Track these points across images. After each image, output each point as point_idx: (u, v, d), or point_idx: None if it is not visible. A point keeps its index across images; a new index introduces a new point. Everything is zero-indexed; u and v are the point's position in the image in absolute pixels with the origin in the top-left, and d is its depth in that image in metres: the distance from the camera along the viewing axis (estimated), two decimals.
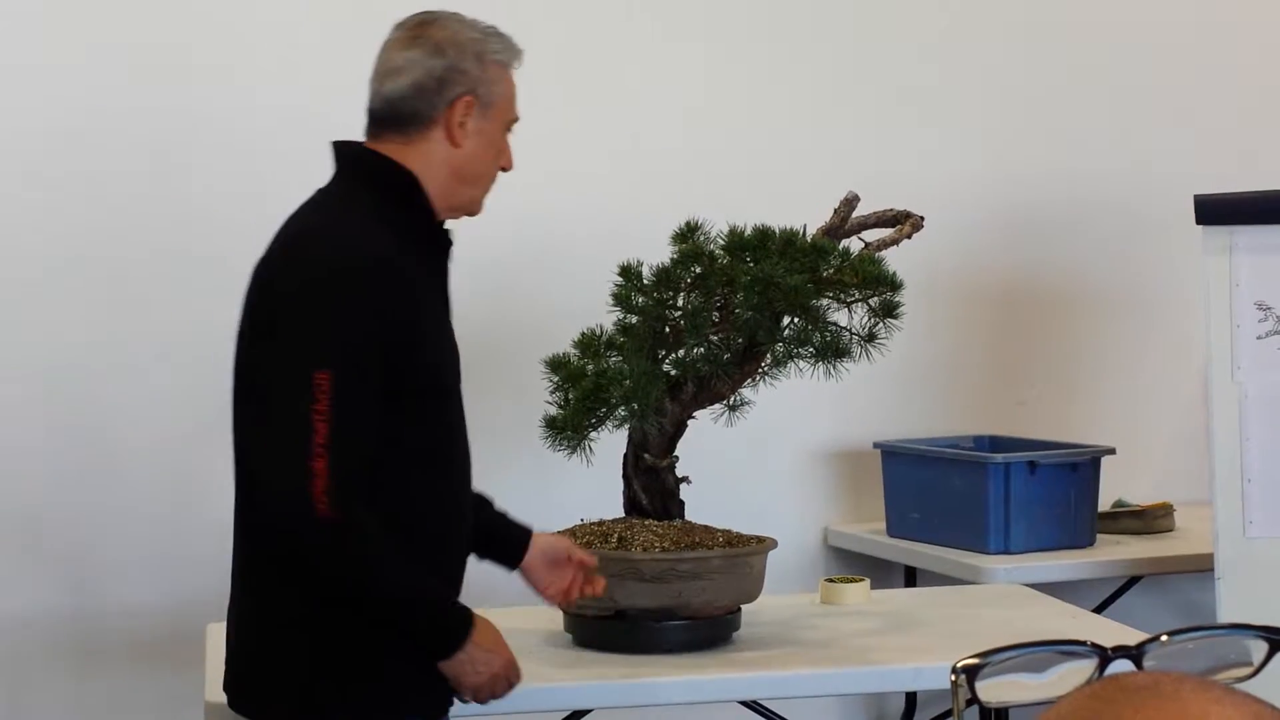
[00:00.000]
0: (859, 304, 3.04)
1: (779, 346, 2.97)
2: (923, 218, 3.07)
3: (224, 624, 2.75)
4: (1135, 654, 1.28)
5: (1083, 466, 4.21)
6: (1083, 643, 1.28)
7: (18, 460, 3.93)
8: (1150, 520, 4.38)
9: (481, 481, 2.71)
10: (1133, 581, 4.37)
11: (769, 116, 4.46)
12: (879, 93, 4.58)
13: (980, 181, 4.64)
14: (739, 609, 3.18)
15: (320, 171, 2.65)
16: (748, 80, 4.46)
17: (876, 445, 4.40)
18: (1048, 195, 4.70)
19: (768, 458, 4.31)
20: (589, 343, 3.07)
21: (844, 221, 3.03)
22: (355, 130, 2.65)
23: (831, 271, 3.00)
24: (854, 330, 3.07)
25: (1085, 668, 1.27)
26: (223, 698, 2.78)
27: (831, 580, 3.66)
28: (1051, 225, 4.71)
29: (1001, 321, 4.72)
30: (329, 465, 2.38)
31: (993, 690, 1.27)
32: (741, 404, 3.14)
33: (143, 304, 4.03)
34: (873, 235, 3.19)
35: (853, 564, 4.41)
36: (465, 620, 2.54)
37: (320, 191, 2.63)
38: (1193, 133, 4.78)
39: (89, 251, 3.98)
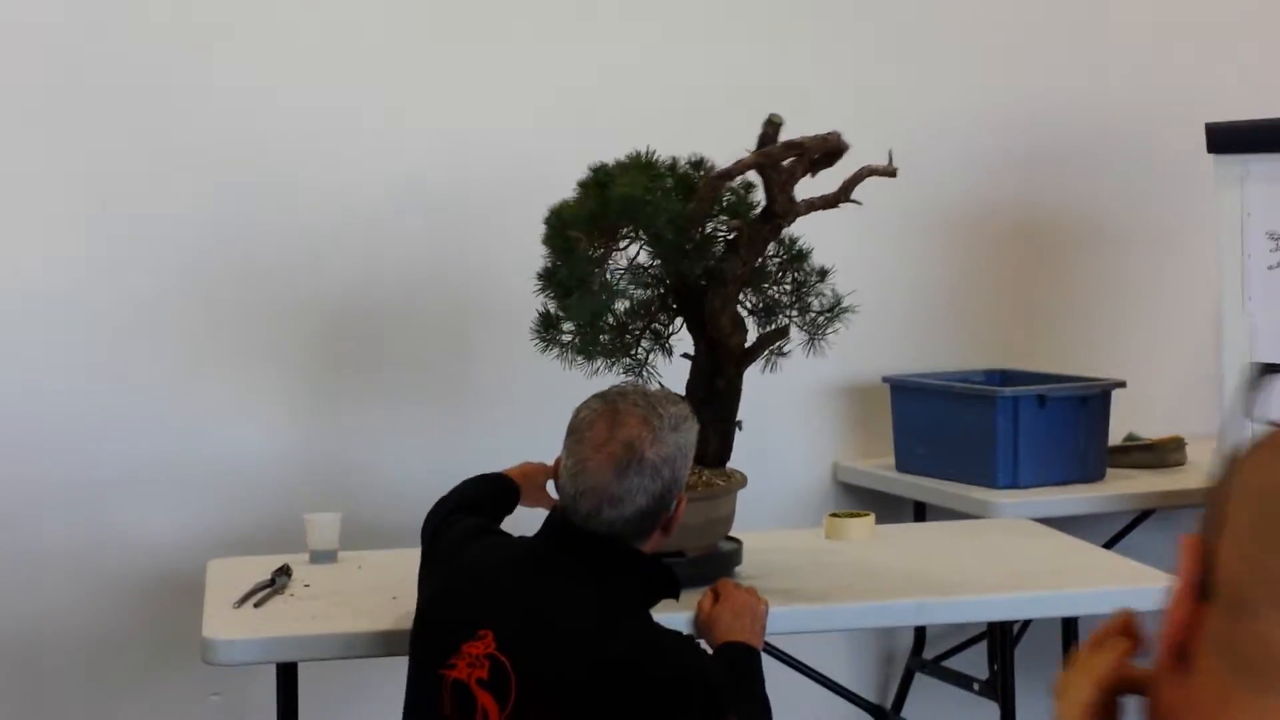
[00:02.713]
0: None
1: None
2: (846, 144, 2.98)
3: (223, 560, 2.72)
4: None
5: (1092, 400, 4.17)
6: None
7: (32, 392, 3.91)
8: (1161, 454, 4.34)
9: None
10: (1144, 516, 4.33)
11: (764, 48, 4.41)
12: (886, 22, 4.52)
13: (990, 112, 4.58)
14: (738, 545, 3.15)
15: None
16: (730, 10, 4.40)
17: (885, 379, 4.36)
18: (1060, 126, 4.64)
19: (776, 393, 4.27)
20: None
21: (769, 145, 2.95)
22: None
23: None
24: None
25: None
26: (217, 634, 2.78)
27: (836, 515, 3.63)
28: (1065, 156, 4.65)
29: (1013, 254, 4.66)
30: None
31: None
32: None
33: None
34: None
35: (862, 500, 4.38)
36: None
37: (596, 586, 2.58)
38: (1209, 61, 4.71)
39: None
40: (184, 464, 3.99)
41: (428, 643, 2.58)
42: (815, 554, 3.39)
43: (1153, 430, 4.46)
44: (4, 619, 3.93)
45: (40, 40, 3.90)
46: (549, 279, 3.02)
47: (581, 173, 3.09)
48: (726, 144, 3.02)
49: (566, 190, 3.08)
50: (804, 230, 3.15)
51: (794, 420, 4.46)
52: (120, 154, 3.94)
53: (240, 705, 3.95)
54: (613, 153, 3.09)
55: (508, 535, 2.79)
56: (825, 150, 3.00)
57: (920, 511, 4.31)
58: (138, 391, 3.98)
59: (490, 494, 3.01)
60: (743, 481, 3.14)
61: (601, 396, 2.64)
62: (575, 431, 2.61)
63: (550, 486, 2.95)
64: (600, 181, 3.02)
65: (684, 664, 2.48)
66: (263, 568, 3.22)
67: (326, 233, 4.08)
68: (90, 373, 3.95)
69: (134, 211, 3.96)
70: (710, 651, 2.76)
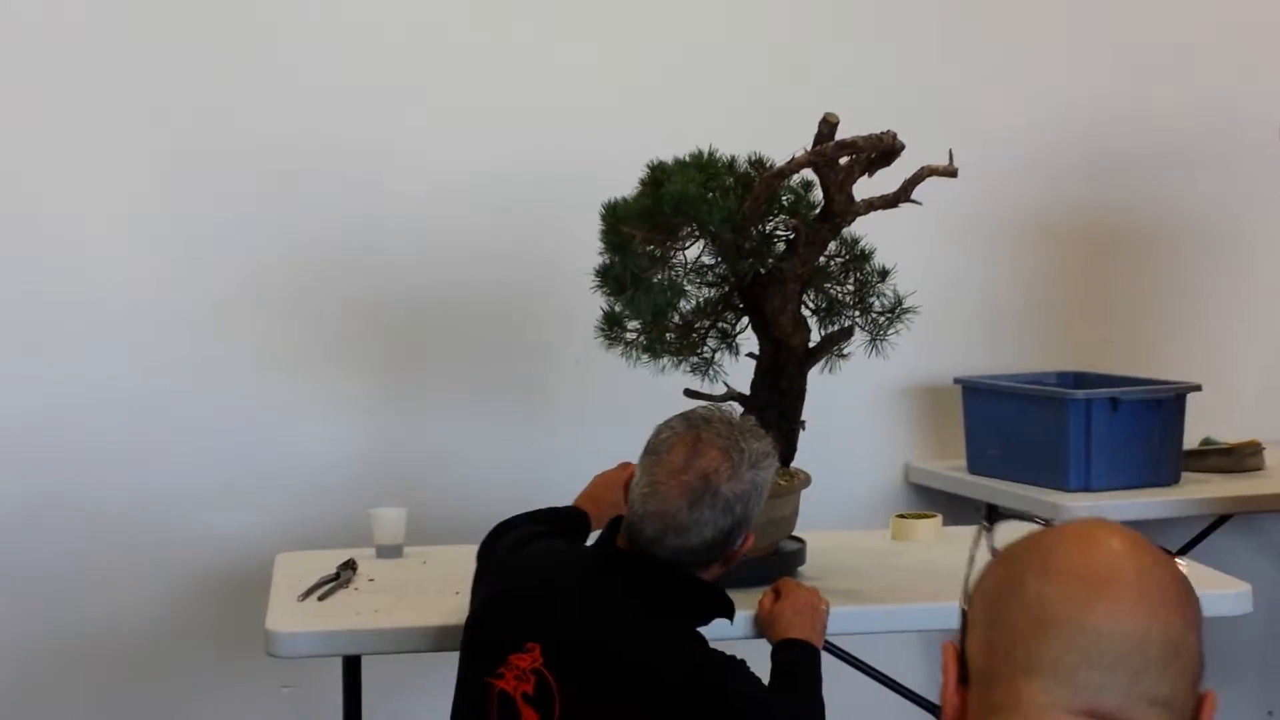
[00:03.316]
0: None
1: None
2: (901, 143, 2.95)
3: (290, 554, 2.73)
4: None
5: (1167, 403, 4.13)
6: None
7: (106, 393, 3.97)
8: (1239, 458, 4.29)
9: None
10: (1220, 521, 4.28)
11: (829, 48, 4.40)
12: (955, 20, 4.49)
13: (1065, 113, 4.54)
14: (802, 545, 3.15)
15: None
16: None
17: (957, 380, 4.34)
18: (1134, 126, 4.60)
19: (848, 394, 4.25)
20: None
21: (823, 144, 2.93)
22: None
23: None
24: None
25: None
26: (280, 626, 2.81)
27: (903, 516, 3.61)
28: (1139, 157, 4.61)
29: (1088, 255, 4.63)
30: None
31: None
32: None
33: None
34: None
35: (933, 501, 4.36)
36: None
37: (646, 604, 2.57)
38: None
39: None
40: (256, 461, 4.04)
41: (476, 650, 2.58)
42: (880, 555, 3.38)
43: (1230, 434, 4.41)
44: (82, 614, 3.99)
45: (106, 41, 3.94)
46: (604, 275, 3.03)
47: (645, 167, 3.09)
48: (792, 144, 3.01)
49: (634, 188, 3.09)
50: (880, 231, 3.14)
51: (866, 421, 4.45)
52: (190, 154, 3.99)
53: (310, 697, 3.99)
54: (680, 152, 3.09)
55: (561, 542, 2.77)
56: (880, 149, 2.98)
57: (992, 514, 4.28)
58: (209, 391, 4.03)
59: (558, 521, 2.95)
60: (806, 481, 3.13)
61: (685, 419, 2.62)
62: (653, 452, 2.59)
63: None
64: (657, 179, 3.03)
65: (732, 690, 2.47)
66: (329, 562, 3.25)
67: (394, 232, 4.11)
68: (161, 373, 4.00)
69: (202, 212, 4.01)
70: (770, 645, 2.77)
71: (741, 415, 2.80)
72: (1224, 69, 4.65)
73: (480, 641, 2.59)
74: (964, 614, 1.38)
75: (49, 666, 3.98)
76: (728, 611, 2.64)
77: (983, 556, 1.43)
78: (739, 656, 2.54)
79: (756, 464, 2.59)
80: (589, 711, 2.45)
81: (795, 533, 3.17)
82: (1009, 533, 1.48)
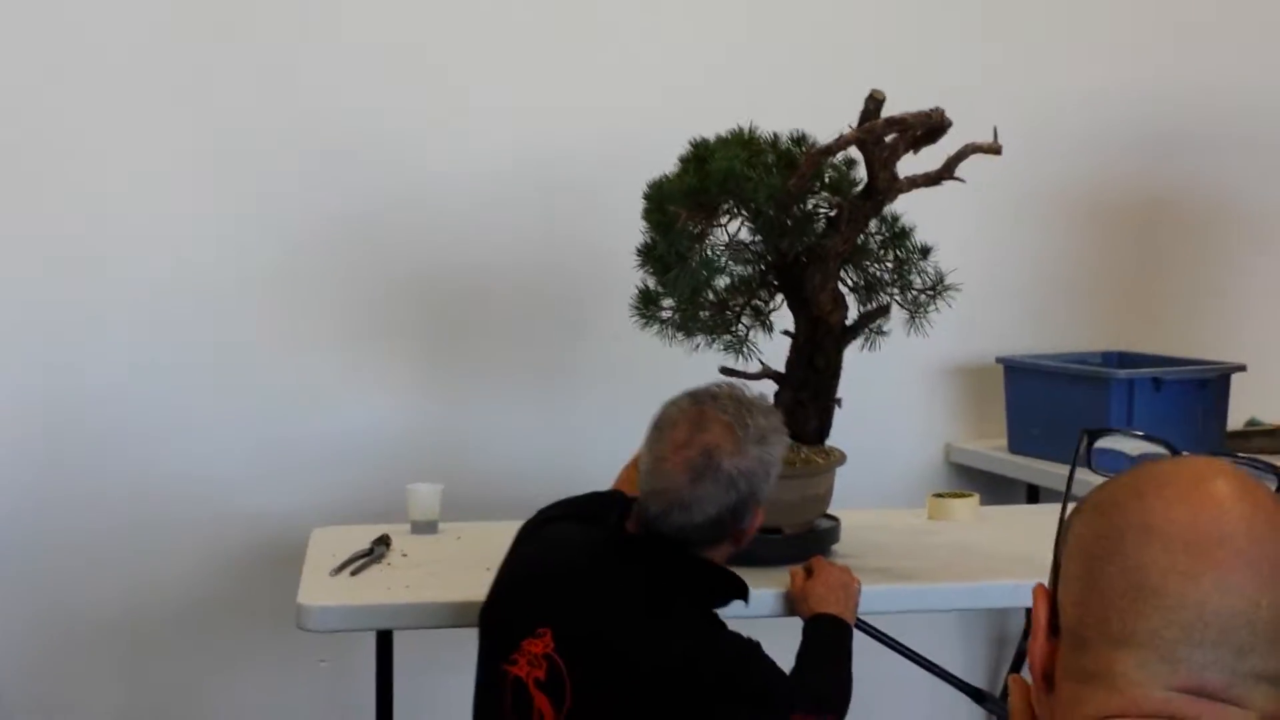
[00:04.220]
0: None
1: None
2: (949, 120, 2.90)
3: (326, 529, 2.72)
4: None
5: (1211, 383, 4.09)
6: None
7: (144, 369, 3.98)
8: None
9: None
10: None
11: (872, 25, 4.36)
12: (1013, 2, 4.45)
13: (1110, 91, 4.50)
14: (836, 523, 3.13)
15: None
16: None
17: (999, 360, 4.30)
18: (1182, 104, 4.55)
19: (890, 372, 4.23)
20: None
21: (871, 120, 2.90)
22: None
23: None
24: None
25: None
26: (312, 600, 2.81)
27: (940, 495, 3.59)
28: (1186, 135, 4.56)
29: (1132, 234, 4.58)
30: None
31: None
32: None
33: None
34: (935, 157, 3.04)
35: (974, 481, 4.33)
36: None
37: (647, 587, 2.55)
38: None
39: None
40: (294, 437, 4.05)
41: (492, 636, 2.57)
42: (916, 534, 3.36)
43: (1275, 415, 4.37)
44: (119, 588, 4.01)
45: (153, 18, 3.95)
46: (648, 254, 3.01)
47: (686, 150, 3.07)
48: (833, 123, 2.99)
49: (673, 168, 3.06)
50: (927, 209, 3.11)
51: (907, 400, 4.43)
52: (235, 131, 3.99)
53: (347, 671, 4.01)
54: (719, 131, 3.07)
55: (574, 525, 2.73)
56: (928, 126, 2.95)
57: (1033, 494, 4.26)
58: (249, 366, 4.04)
59: (596, 505, 2.89)
60: (841, 458, 3.11)
61: (692, 395, 2.59)
62: (658, 428, 2.57)
63: None
64: (700, 156, 3.00)
65: (741, 670, 2.44)
66: (364, 537, 3.25)
67: (435, 210, 4.11)
68: (202, 348, 4.01)
69: (245, 189, 4.01)
70: (801, 621, 2.75)
71: (765, 396, 2.75)
72: (1272, 50, 4.59)
73: (493, 624, 2.58)
74: (1057, 561, 1.26)
75: (85, 639, 4.00)
76: (740, 592, 2.61)
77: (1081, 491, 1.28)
78: (754, 640, 2.51)
79: (763, 440, 2.55)
80: (597, 698, 2.43)
81: (830, 511, 3.15)
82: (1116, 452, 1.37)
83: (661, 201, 2.96)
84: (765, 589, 2.85)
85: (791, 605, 2.83)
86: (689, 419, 2.54)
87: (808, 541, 3.05)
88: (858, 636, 2.81)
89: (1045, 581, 1.28)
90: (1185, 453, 1.34)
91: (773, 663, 2.51)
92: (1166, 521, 1.19)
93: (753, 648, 2.49)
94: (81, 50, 3.91)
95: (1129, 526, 1.21)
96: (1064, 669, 1.22)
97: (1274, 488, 1.30)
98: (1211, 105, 4.56)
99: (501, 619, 2.57)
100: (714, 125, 3.07)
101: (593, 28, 4.19)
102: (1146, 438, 1.47)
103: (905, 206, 3.09)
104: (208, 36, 3.96)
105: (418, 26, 4.08)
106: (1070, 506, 1.29)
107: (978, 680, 4.35)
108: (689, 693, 2.40)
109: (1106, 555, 1.21)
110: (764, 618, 2.82)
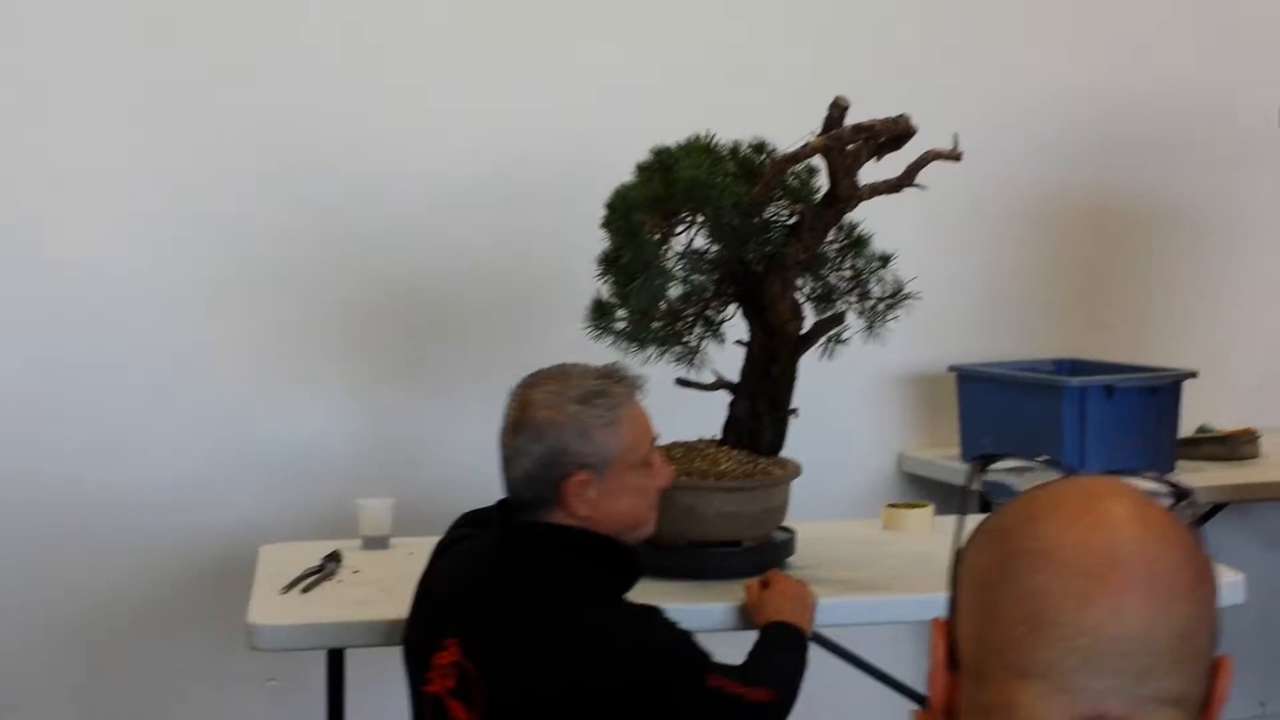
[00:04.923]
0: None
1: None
2: (914, 127, 2.89)
3: (275, 545, 2.69)
4: None
5: (1162, 391, 4.09)
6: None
7: (87, 382, 3.92)
8: (1234, 446, 4.26)
9: None
10: (1215, 510, 4.24)
11: (830, 32, 4.35)
12: (955, 6, 4.45)
13: (1062, 98, 4.50)
14: (790, 534, 3.10)
15: None
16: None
17: (952, 368, 4.29)
18: (1133, 112, 4.56)
19: (841, 382, 4.21)
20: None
21: (836, 128, 2.88)
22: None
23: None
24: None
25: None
26: (263, 619, 2.77)
27: (894, 506, 3.57)
28: (1138, 142, 4.57)
29: (1085, 242, 4.59)
30: None
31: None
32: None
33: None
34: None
35: (927, 490, 4.31)
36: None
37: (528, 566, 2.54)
38: None
39: None
40: (241, 452, 4.00)
41: (411, 662, 2.57)
42: (871, 545, 3.33)
43: (1225, 422, 4.38)
44: (62, 605, 3.95)
45: (107, 32, 3.90)
46: (612, 264, 2.97)
47: (643, 158, 3.04)
48: (792, 129, 2.96)
49: (628, 176, 3.03)
50: (876, 216, 3.10)
51: (860, 409, 4.41)
52: (189, 134, 3.94)
53: (297, 689, 3.95)
54: (675, 139, 3.04)
55: (475, 533, 2.72)
56: (894, 133, 2.94)
57: (986, 503, 4.24)
58: (195, 378, 3.98)
59: (495, 507, 2.86)
60: (797, 470, 3.09)
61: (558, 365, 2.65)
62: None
63: None
64: (664, 164, 2.97)
65: (637, 639, 2.42)
66: (314, 553, 3.20)
67: (385, 219, 4.07)
68: (146, 359, 3.95)
69: (204, 188, 3.96)
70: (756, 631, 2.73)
71: (639, 376, 2.70)
72: (1225, 56, 4.61)
73: (410, 650, 2.57)
74: (953, 591, 1.24)
75: (28, 657, 3.94)
76: (626, 557, 2.57)
77: (971, 520, 1.26)
78: (652, 605, 2.50)
79: (586, 400, 2.55)
80: (508, 692, 2.41)
81: (785, 523, 3.12)
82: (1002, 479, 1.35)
83: (628, 209, 2.93)
84: (721, 601, 2.83)
85: (747, 617, 2.80)
86: (526, 382, 2.61)
87: (765, 553, 3.03)
88: (814, 649, 2.79)
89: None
90: (1078, 473, 1.29)
91: (675, 624, 2.48)
92: (1059, 546, 1.16)
93: (649, 613, 2.47)
94: (35, 53, 3.86)
95: (1021, 552, 1.17)
96: (965, 703, 1.20)
97: (1168, 505, 1.26)
98: (1160, 112, 4.57)
99: (414, 641, 2.57)
100: (668, 130, 3.05)
101: (550, 29, 4.16)
102: (1044, 460, 1.42)
103: (857, 213, 3.07)
104: (162, 39, 3.92)
105: (376, 35, 4.05)
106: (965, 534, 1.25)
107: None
108: (596, 664, 2.38)
109: (1000, 583, 1.18)
110: (721, 630, 2.80)
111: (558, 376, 2.59)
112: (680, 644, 2.45)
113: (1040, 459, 1.40)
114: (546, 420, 2.53)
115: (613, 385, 2.59)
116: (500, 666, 2.42)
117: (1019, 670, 1.16)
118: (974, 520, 1.26)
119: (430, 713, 2.47)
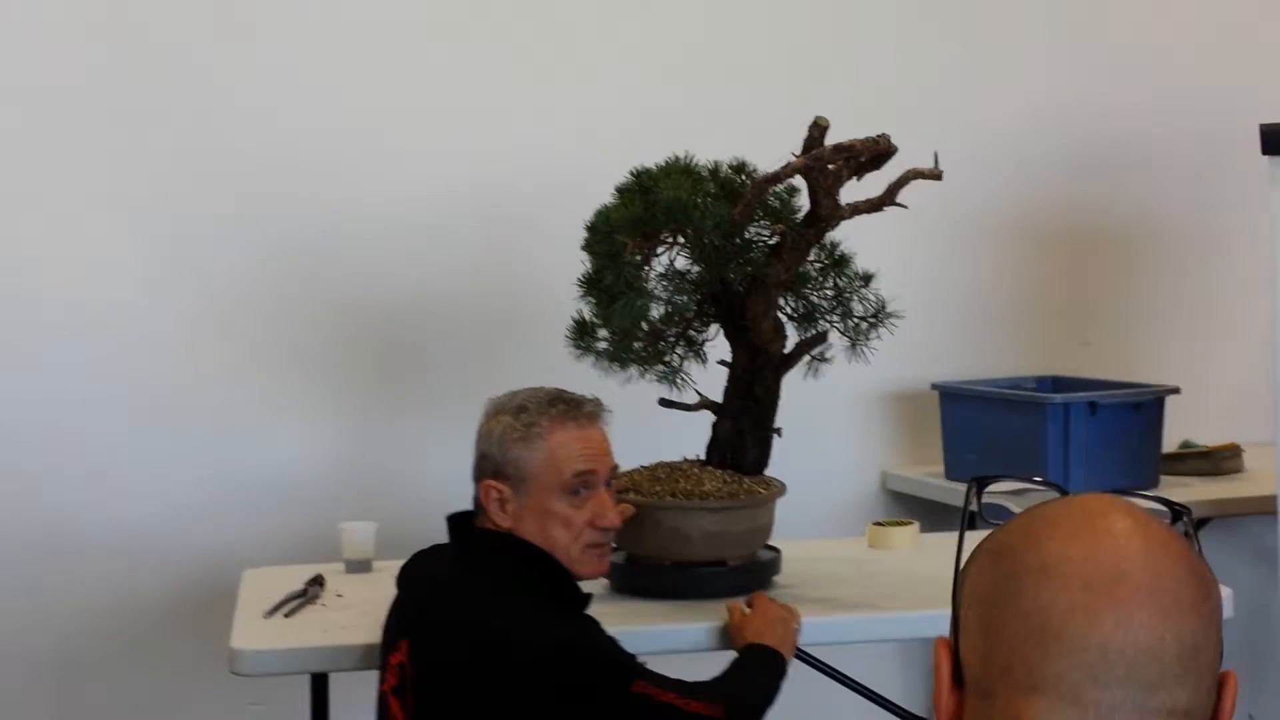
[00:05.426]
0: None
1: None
2: (894, 147, 2.89)
3: (258, 570, 2.70)
4: None
5: (1146, 407, 4.09)
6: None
7: (65, 405, 3.91)
8: (1217, 461, 4.27)
9: None
10: (1201, 524, 4.24)
11: (807, 52, 4.36)
12: (934, 24, 4.45)
13: (1042, 116, 4.51)
14: (775, 553, 3.10)
15: None
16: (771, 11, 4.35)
17: (934, 386, 4.29)
18: (1114, 129, 4.57)
19: (824, 400, 4.20)
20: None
21: (816, 148, 2.88)
22: None
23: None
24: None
25: None
26: (246, 644, 2.75)
27: (879, 524, 3.57)
28: (1119, 160, 4.58)
29: (1067, 260, 4.59)
30: None
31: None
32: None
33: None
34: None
35: (911, 508, 4.31)
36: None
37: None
38: (1266, 62, 4.63)
39: None
40: (224, 475, 3.98)
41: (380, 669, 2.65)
42: (856, 563, 3.33)
43: (1208, 437, 4.38)
44: (45, 630, 3.92)
45: (97, 43, 3.89)
46: (593, 285, 2.97)
47: (622, 179, 3.04)
48: (766, 149, 2.97)
49: (607, 198, 3.03)
50: (860, 235, 3.10)
51: (843, 428, 4.41)
52: (165, 161, 3.93)
53: (281, 715, 3.93)
54: (655, 160, 3.04)
55: (437, 547, 2.79)
56: (875, 153, 2.94)
57: (971, 520, 4.23)
58: (176, 403, 3.97)
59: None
60: (781, 490, 3.09)
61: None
62: None
63: None
64: (644, 186, 2.97)
65: (566, 638, 2.47)
66: (297, 578, 3.19)
67: (365, 242, 4.06)
68: (131, 382, 3.94)
69: (178, 220, 3.95)
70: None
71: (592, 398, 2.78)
72: (1202, 71, 4.62)
73: (380, 655, 2.66)
74: (956, 611, 1.24)
75: (10, 684, 3.91)
76: (558, 576, 2.63)
77: (971, 540, 1.27)
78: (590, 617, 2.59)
79: (492, 414, 2.70)
80: (434, 683, 2.49)
81: (770, 542, 3.12)
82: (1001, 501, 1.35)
83: (609, 231, 2.93)
84: (706, 621, 2.82)
85: (729, 639, 2.80)
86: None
87: (751, 573, 3.03)
88: (799, 666, 2.78)
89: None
90: (1074, 492, 1.30)
91: (605, 634, 2.55)
92: (1062, 561, 1.17)
93: (585, 619, 2.57)
94: (3, 89, 3.84)
95: (1025, 569, 1.18)
96: None
97: (1168, 520, 1.27)
98: (1137, 130, 4.58)
99: (382, 645, 2.65)
100: (647, 153, 3.05)
101: (526, 52, 4.16)
102: (1043, 482, 1.45)
103: (837, 232, 3.07)
104: (125, 78, 3.91)
105: (343, 52, 4.04)
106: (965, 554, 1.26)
107: (918, 709, 4.33)
108: (521, 657, 2.44)
109: (1004, 601, 1.18)
110: (703, 651, 2.79)
111: (520, 392, 2.71)
112: (608, 648, 2.52)
113: (1038, 480, 1.43)
114: (482, 427, 2.70)
115: (547, 407, 2.67)
116: (430, 656, 2.49)
117: (1027, 686, 1.16)
118: (973, 539, 1.27)
119: (379, 712, 2.56)
